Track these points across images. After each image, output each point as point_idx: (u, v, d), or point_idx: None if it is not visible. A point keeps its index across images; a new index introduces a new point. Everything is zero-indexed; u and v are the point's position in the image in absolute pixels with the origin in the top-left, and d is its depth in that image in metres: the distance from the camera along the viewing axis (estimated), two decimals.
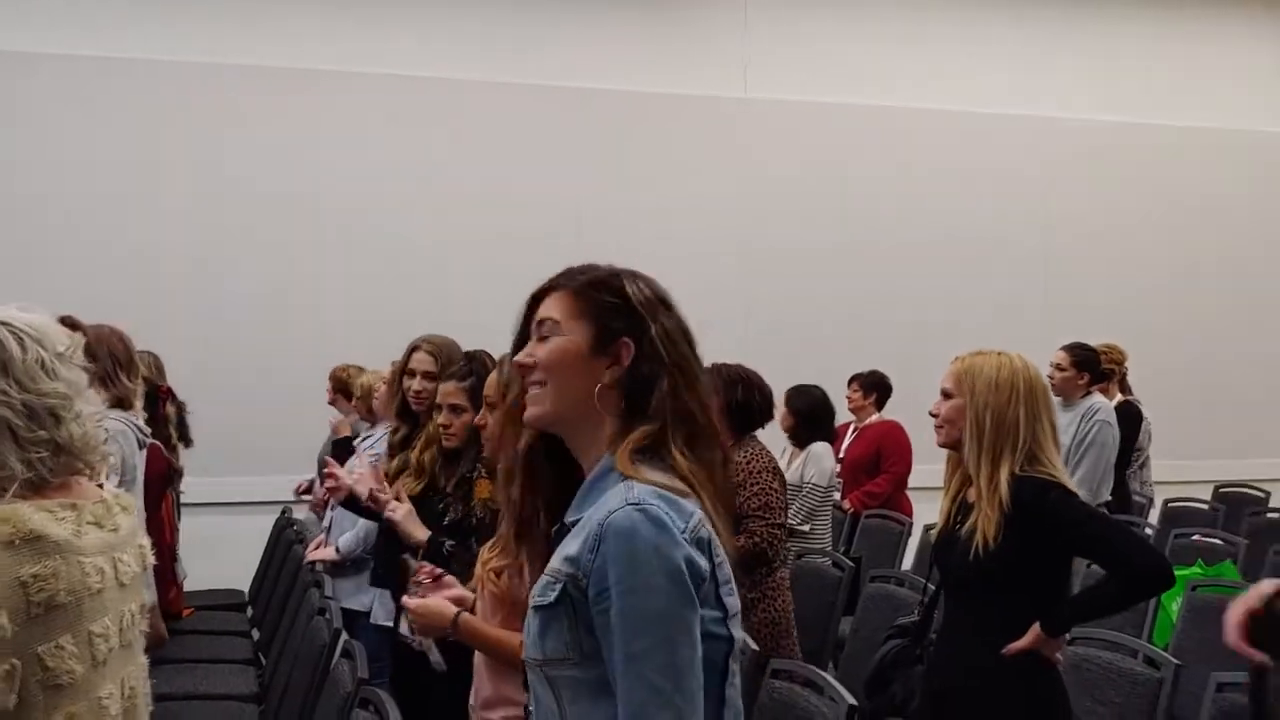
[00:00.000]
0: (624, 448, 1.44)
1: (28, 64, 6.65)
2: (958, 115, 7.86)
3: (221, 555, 5.59)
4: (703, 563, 1.38)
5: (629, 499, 1.38)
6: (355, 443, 4.90)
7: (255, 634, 5.00)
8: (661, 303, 1.52)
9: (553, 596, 1.40)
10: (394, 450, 3.36)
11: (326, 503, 4.58)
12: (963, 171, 7.83)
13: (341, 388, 5.80)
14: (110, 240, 6.77)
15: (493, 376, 2.53)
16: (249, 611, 5.42)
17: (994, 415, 2.52)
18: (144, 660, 1.77)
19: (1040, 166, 8.01)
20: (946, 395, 2.64)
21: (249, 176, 6.96)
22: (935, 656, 2.71)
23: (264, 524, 5.94)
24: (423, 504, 2.98)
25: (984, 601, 2.57)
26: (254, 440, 6.69)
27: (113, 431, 2.73)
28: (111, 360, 3.09)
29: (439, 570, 2.51)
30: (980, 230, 7.85)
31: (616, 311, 1.50)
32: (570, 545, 1.41)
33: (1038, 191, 8.02)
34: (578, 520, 1.44)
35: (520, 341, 1.55)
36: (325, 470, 3.45)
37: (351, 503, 3.33)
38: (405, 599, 2.46)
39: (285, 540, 5.23)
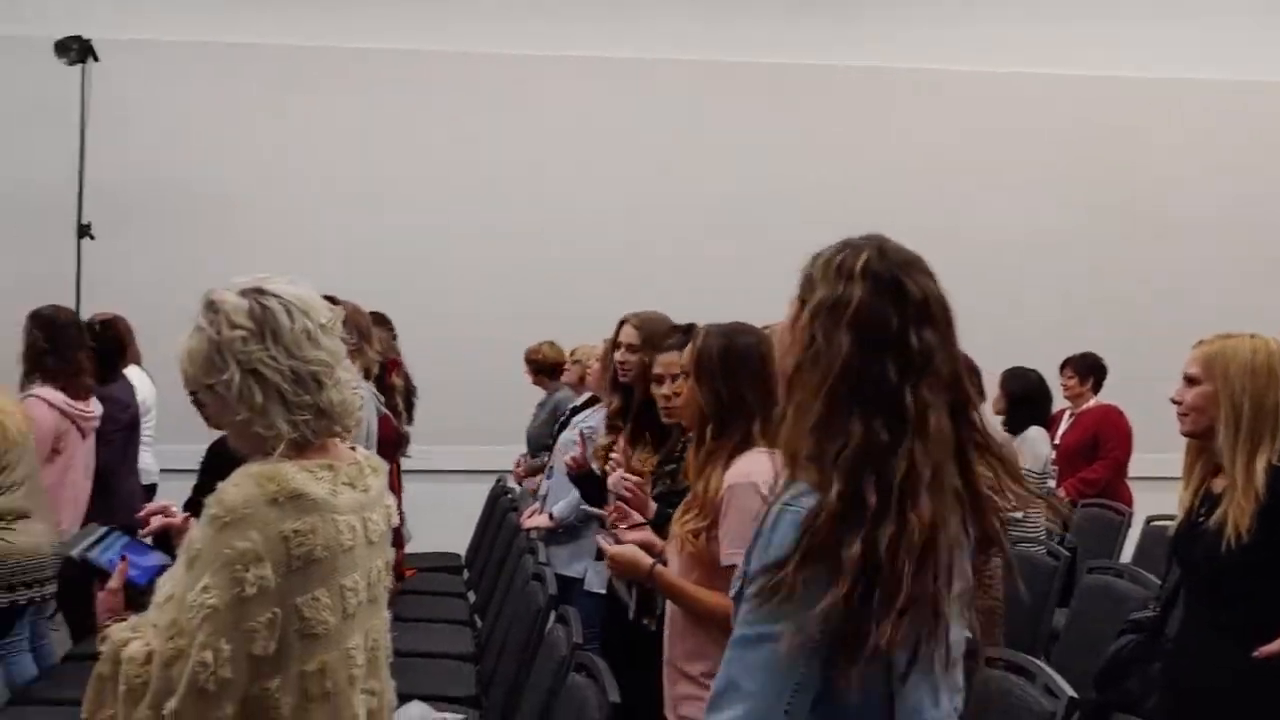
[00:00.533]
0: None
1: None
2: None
3: (440, 520, 5.86)
4: None
5: (782, 496, 1.39)
6: (565, 417, 5.05)
7: (471, 596, 5.23)
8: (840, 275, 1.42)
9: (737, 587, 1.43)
10: (610, 422, 3.47)
11: (541, 469, 4.75)
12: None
13: (542, 368, 5.98)
14: (350, 221, 7.26)
15: (689, 347, 2.56)
16: (465, 574, 5.67)
17: (1252, 401, 2.38)
18: (387, 615, 1.87)
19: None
20: (1191, 381, 2.50)
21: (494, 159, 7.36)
22: (1177, 654, 2.58)
23: (480, 491, 6.22)
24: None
25: (1233, 598, 2.43)
26: (472, 412, 7.02)
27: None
28: (358, 333, 3.32)
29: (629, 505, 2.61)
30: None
31: None
32: None
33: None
34: None
35: None
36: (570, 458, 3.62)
37: (585, 479, 3.48)
38: (601, 542, 2.54)
39: (501, 507, 5.44)
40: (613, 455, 3.41)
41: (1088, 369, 5.83)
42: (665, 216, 7.41)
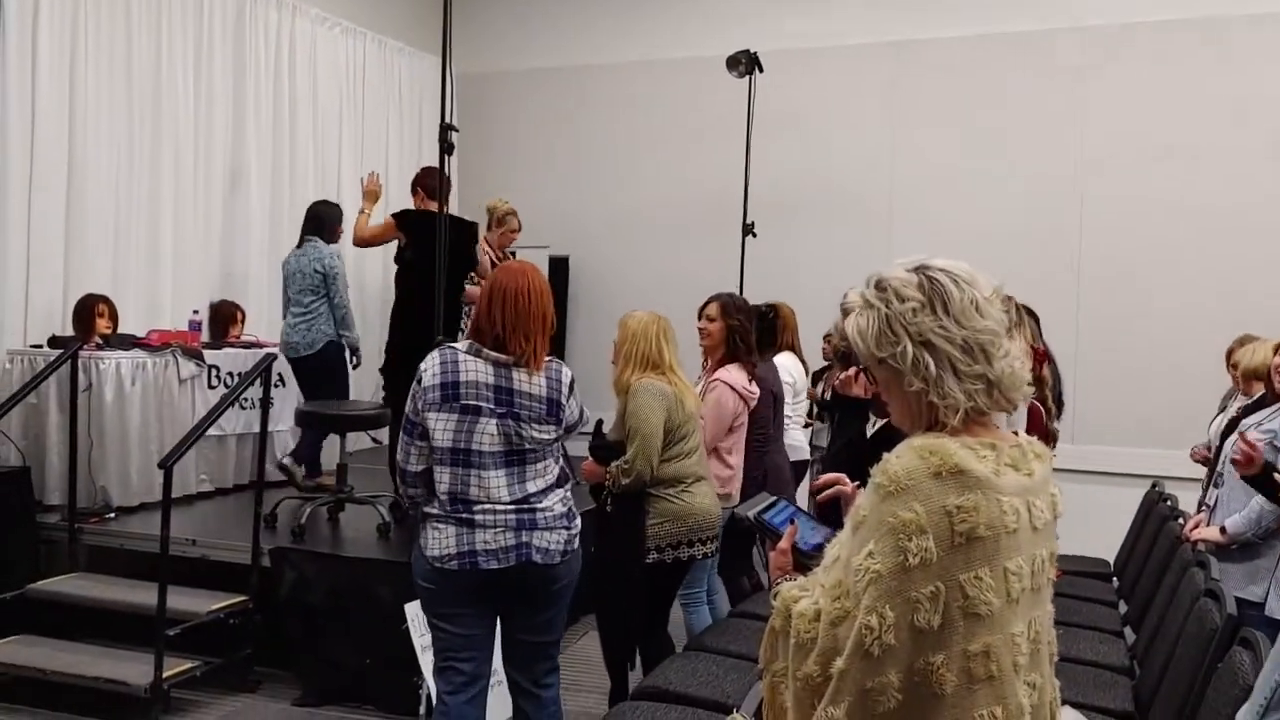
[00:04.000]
0: None
1: None
2: None
3: (1089, 523, 5.51)
4: None
5: None
6: (1234, 417, 4.50)
7: (1122, 606, 4.85)
8: None
9: None
10: None
11: (1210, 476, 4.26)
12: None
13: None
14: (979, 213, 7.15)
15: None
16: (1115, 582, 5.28)
17: None
18: (1050, 608, 1.77)
19: None
20: None
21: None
22: None
23: (1131, 496, 5.76)
24: None
25: None
26: (1128, 412, 6.55)
27: None
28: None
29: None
30: None
31: None
32: None
33: None
34: None
35: None
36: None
37: (1263, 481, 3.07)
38: None
39: (1157, 514, 4.98)
40: None
41: None
42: None
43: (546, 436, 3.22)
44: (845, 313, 2.98)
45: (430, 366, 3.15)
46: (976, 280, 1.70)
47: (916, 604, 1.56)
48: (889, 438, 1.89)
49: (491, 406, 3.14)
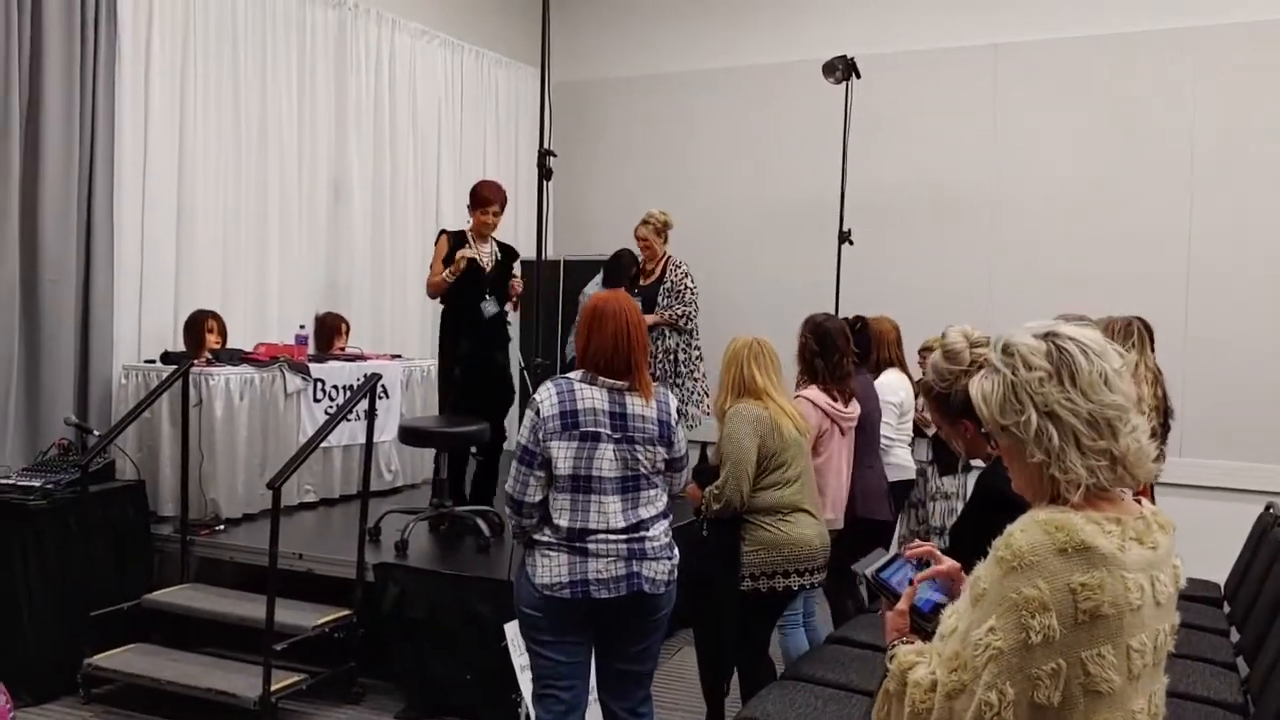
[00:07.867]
0: None
1: None
2: None
3: (1196, 543, 5.35)
4: None
5: None
6: None
7: (1234, 634, 4.69)
8: None
9: None
10: None
11: None
12: None
13: None
14: (1098, 219, 6.97)
15: None
16: (1226, 608, 5.11)
17: None
18: (1165, 679, 1.74)
19: None
20: None
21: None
22: None
23: (1245, 513, 5.57)
24: None
25: None
26: (1241, 423, 6.33)
27: None
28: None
29: None
30: None
31: None
32: None
33: None
34: None
35: None
36: None
37: None
38: None
39: (1272, 537, 4.80)
40: None
41: None
42: None
43: (658, 460, 3.30)
44: (947, 354, 2.92)
45: (547, 397, 3.22)
46: (1107, 352, 1.66)
47: (1037, 681, 1.55)
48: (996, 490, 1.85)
49: (609, 432, 3.21)
